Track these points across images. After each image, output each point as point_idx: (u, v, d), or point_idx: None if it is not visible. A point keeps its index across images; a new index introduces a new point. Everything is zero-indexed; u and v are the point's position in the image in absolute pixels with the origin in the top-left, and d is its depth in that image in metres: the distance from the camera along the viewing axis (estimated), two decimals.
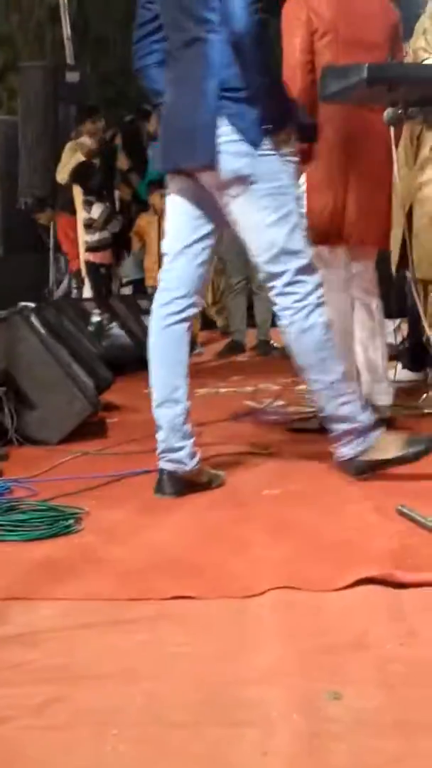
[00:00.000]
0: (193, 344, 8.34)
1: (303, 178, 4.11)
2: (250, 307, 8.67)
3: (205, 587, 2.27)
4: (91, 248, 8.77)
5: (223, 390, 5.88)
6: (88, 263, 8.85)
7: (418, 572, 2.29)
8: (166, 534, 2.73)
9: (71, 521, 2.82)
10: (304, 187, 4.11)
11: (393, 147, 3.05)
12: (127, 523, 2.86)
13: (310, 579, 2.28)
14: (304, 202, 4.11)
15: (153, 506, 3.07)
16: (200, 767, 1.48)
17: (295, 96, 3.87)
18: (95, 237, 8.68)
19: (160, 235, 8.13)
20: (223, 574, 2.37)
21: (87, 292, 8.87)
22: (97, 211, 8.58)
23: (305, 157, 3.90)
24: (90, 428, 4.25)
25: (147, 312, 7.47)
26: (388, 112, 2.57)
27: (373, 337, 4.22)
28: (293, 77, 3.92)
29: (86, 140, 8.94)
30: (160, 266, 3.37)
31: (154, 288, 8.09)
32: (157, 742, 1.56)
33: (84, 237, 8.75)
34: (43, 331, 4.19)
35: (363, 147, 4.02)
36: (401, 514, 2.73)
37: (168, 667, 1.86)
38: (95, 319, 6.86)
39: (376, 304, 4.24)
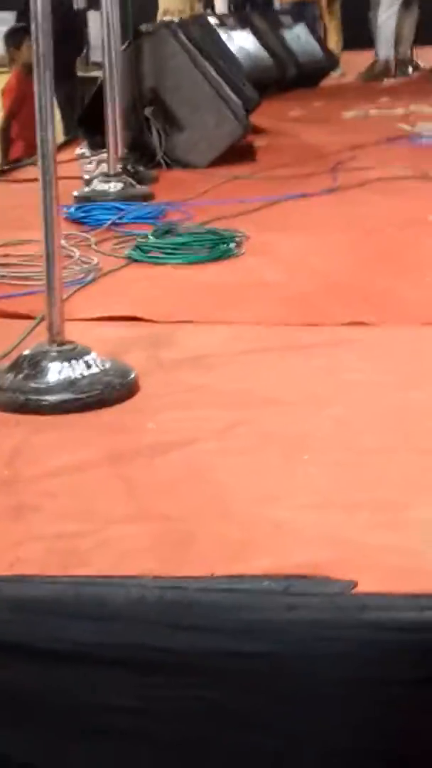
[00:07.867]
0: (334, 63, 8.00)
1: None
2: None
3: (379, 313, 2.18)
4: None
5: (372, 112, 5.60)
6: None
7: None
8: (332, 258, 2.62)
9: (232, 245, 2.73)
10: None
11: None
12: (289, 246, 2.75)
13: None
14: None
15: (313, 226, 2.95)
16: (396, 492, 1.43)
17: None
18: None
19: None
20: (397, 300, 2.27)
21: None
22: None
23: None
24: (238, 151, 4.08)
25: (287, 26, 7.20)
26: None
27: None
28: None
29: None
30: None
31: None
32: (350, 466, 1.51)
33: None
34: (191, 47, 3.97)
35: None
36: None
37: (351, 395, 1.79)
38: None
39: None
